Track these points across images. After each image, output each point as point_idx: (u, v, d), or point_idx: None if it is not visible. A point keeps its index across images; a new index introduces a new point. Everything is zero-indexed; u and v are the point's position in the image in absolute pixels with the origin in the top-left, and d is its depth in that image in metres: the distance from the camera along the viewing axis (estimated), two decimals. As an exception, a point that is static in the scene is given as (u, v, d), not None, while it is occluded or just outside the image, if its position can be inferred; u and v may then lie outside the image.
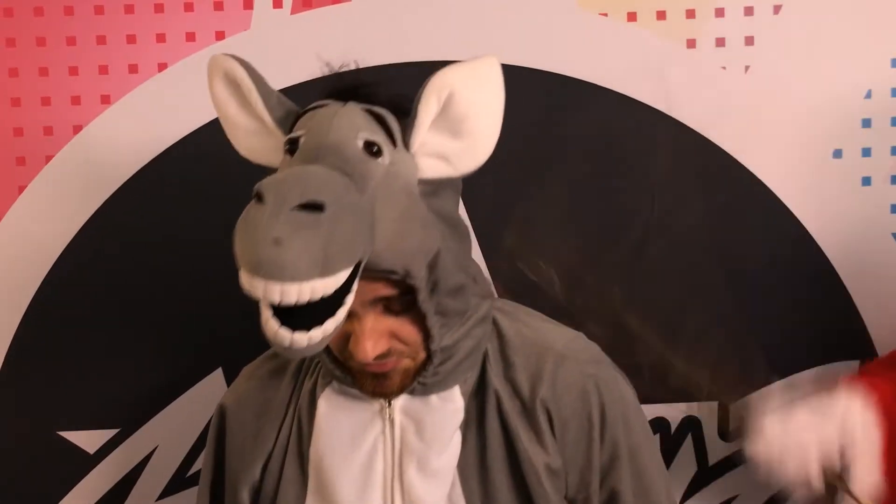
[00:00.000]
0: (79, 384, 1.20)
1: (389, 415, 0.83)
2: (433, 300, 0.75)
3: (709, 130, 1.16)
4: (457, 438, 0.83)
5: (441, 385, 0.82)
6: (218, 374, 1.20)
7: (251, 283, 0.63)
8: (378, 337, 0.75)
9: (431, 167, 0.74)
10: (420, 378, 0.81)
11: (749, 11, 1.15)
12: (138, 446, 1.21)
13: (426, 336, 0.77)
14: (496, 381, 0.84)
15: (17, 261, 1.18)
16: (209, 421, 0.95)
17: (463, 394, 0.84)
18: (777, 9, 1.15)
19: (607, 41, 1.15)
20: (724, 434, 1.17)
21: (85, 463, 1.21)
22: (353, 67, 0.80)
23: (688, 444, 1.20)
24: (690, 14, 1.15)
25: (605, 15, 1.15)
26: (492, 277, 1.12)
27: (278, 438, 0.88)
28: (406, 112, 0.73)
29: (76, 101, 1.15)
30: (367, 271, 0.69)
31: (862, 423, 0.88)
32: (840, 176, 1.17)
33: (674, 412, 1.19)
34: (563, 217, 1.16)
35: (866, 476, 0.88)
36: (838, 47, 1.15)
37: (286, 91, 1.11)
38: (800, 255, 1.18)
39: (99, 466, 1.21)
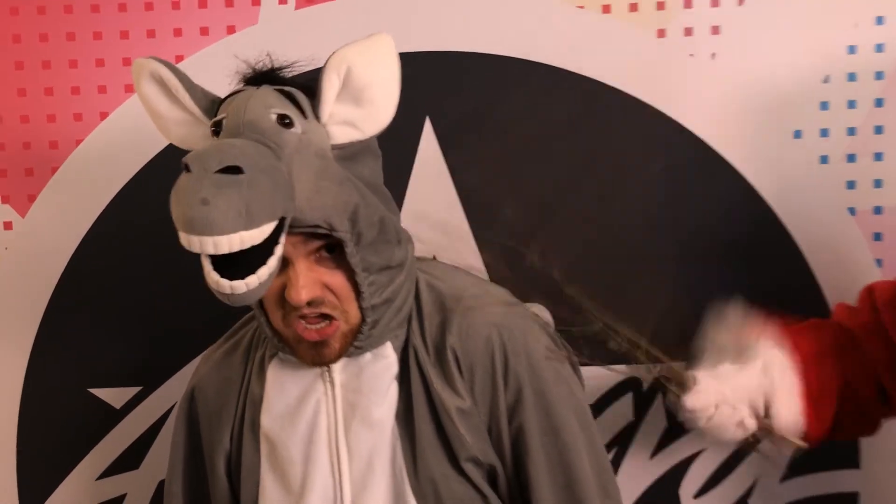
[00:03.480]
0: (108, 347, 1.32)
1: (330, 376, 0.91)
2: (359, 253, 0.83)
3: (677, 113, 1.25)
4: (393, 390, 0.90)
5: (375, 343, 0.90)
6: (230, 337, 1.32)
7: (188, 240, 0.72)
8: (311, 284, 0.82)
9: (342, 133, 0.82)
10: (356, 342, 0.88)
11: (715, 3, 1.24)
12: (160, 402, 1.33)
13: (357, 293, 0.85)
14: (414, 334, 0.92)
15: (51, 235, 1.30)
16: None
17: (395, 349, 0.91)
18: (741, 0, 1.24)
19: (584, 31, 1.25)
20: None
21: (112, 417, 1.33)
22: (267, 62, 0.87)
23: (658, 401, 1.30)
24: (661, 6, 1.24)
25: (582, 7, 1.24)
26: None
27: (237, 409, 0.96)
28: (314, 90, 0.81)
29: (102, 90, 1.27)
30: (294, 227, 0.78)
31: (783, 374, 0.98)
32: (800, 154, 1.26)
33: (646, 373, 1.29)
34: (541, 200, 1.27)
35: (788, 418, 0.98)
36: (798, 35, 1.24)
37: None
38: (762, 229, 1.26)
39: (125, 420, 1.33)
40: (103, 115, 1.27)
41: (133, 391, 1.33)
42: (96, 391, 1.32)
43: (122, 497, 1.35)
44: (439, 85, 1.26)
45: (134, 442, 1.34)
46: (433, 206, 1.28)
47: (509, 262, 1.27)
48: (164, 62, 0.84)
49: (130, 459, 1.34)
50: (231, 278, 0.74)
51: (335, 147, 0.83)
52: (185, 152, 0.76)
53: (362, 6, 1.26)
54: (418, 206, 1.27)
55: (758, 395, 0.98)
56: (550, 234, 1.26)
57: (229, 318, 1.27)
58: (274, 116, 0.79)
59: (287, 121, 0.79)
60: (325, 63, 0.80)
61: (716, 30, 1.24)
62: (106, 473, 1.34)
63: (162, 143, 1.26)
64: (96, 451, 1.34)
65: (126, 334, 1.32)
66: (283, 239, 0.77)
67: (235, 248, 0.72)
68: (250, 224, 0.72)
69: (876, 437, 1.11)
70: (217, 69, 1.25)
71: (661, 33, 1.25)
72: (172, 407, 1.33)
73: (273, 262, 0.76)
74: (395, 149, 1.23)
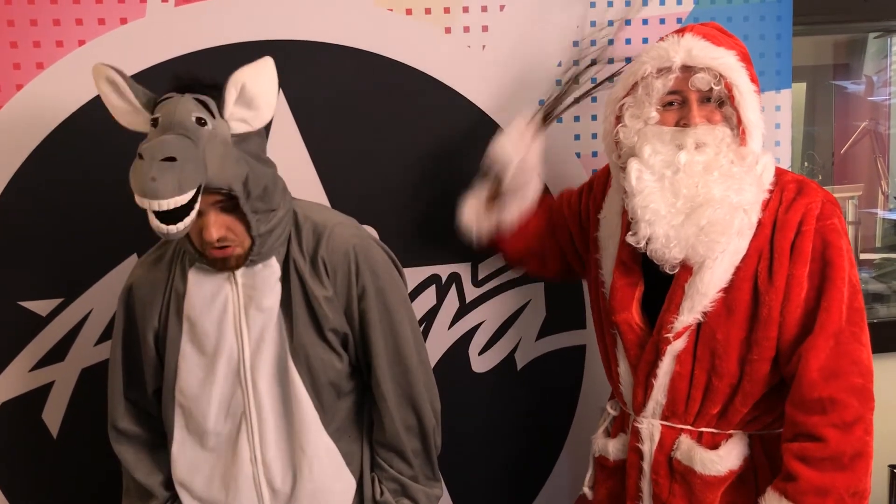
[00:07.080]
0: (34, 269, 1.67)
1: (234, 279, 1.35)
2: (249, 203, 1.25)
3: (460, 87, 1.76)
4: (277, 287, 1.35)
5: (264, 258, 1.34)
6: (133, 258, 1.71)
7: (141, 202, 1.13)
8: (219, 226, 1.25)
9: (238, 126, 1.22)
10: (250, 257, 1.32)
11: (484, 9, 1.75)
12: (79, 309, 1.70)
13: (248, 228, 1.27)
14: (294, 249, 1.36)
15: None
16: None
17: (278, 261, 1.35)
18: (502, 7, 1.76)
19: (393, 28, 1.72)
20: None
21: (40, 323, 1.69)
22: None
23: (453, 290, 1.85)
24: (447, 10, 1.74)
25: (391, 10, 1.72)
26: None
27: (164, 300, 1.38)
28: (221, 93, 1.21)
29: (17, 66, 1.60)
30: (207, 190, 1.19)
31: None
32: (543, 116, 1.82)
33: (443, 270, 1.84)
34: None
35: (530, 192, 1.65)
36: (540, 33, 1.78)
37: (171, 61, 1.65)
38: (519, 168, 1.83)
39: (50, 325, 1.69)
40: (19, 87, 1.61)
41: (56, 302, 1.69)
42: (25, 303, 1.68)
43: (51, 384, 1.72)
44: (291, 65, 1.69)
45: (59, 341, 1.70)
46: (287, 153, 1.72)
47: (346, 196, 1.76)
48: (116, 69, 1.21)
49: (56, 354, 1.71)
50: (166, 223, 1.16)
51: (234, 135, 1.23)
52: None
53: (227, 6, 1.66)
54: (276, 155, 1.71)
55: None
56: (372, 168, 1.77)
57: (132, 243, 1.69)
58: (193, 118, 1.18)
59: (202, 121, 1.19)
60: (229, 79, 1.20)
61: (485, 28, 1.76)
62: (36, 366, 1.70)
63: (71, 105, 1.63)
64: (28, 349, 1.69)
65: (50, 256, 1.67)
66: (199, 199, 1.18)
67: (171, 207, 1.14)
68: (180, 192, 1.13)
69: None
70: (113, 52, 1.64)
71: (448, 30, 1.74)
72: (90, 313, 1.71)
73: (193, 214, 1.17)
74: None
